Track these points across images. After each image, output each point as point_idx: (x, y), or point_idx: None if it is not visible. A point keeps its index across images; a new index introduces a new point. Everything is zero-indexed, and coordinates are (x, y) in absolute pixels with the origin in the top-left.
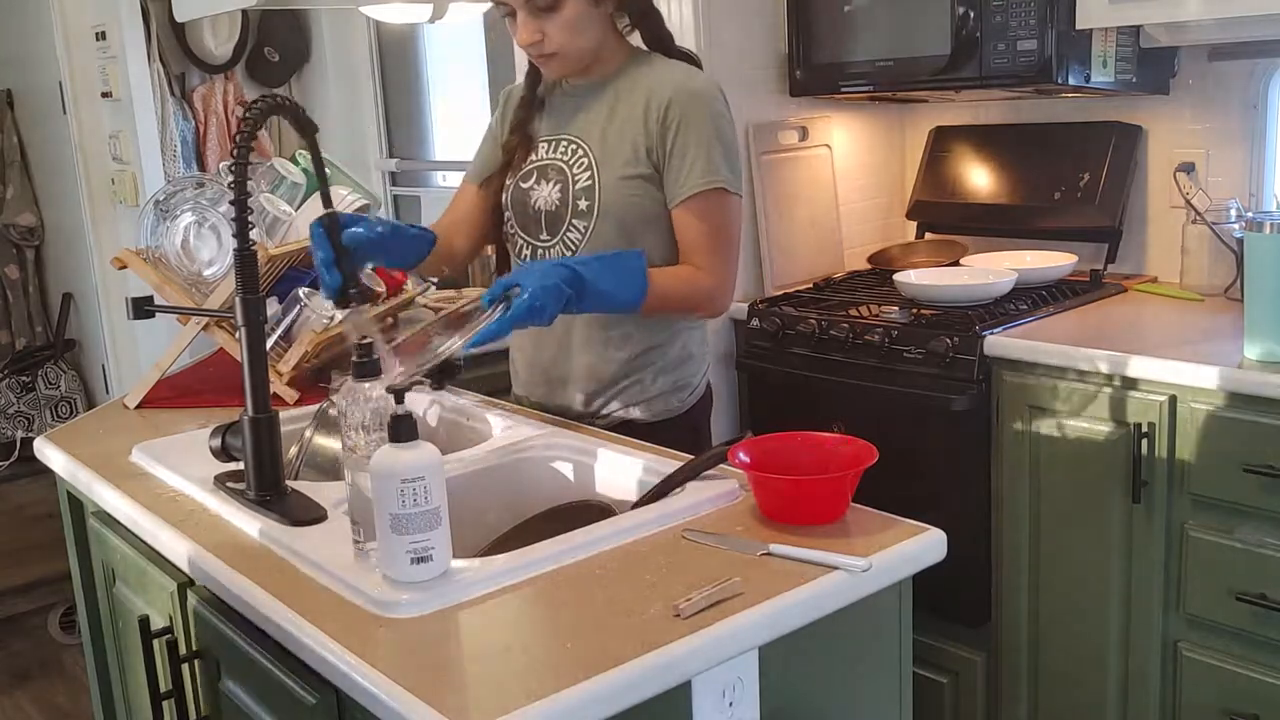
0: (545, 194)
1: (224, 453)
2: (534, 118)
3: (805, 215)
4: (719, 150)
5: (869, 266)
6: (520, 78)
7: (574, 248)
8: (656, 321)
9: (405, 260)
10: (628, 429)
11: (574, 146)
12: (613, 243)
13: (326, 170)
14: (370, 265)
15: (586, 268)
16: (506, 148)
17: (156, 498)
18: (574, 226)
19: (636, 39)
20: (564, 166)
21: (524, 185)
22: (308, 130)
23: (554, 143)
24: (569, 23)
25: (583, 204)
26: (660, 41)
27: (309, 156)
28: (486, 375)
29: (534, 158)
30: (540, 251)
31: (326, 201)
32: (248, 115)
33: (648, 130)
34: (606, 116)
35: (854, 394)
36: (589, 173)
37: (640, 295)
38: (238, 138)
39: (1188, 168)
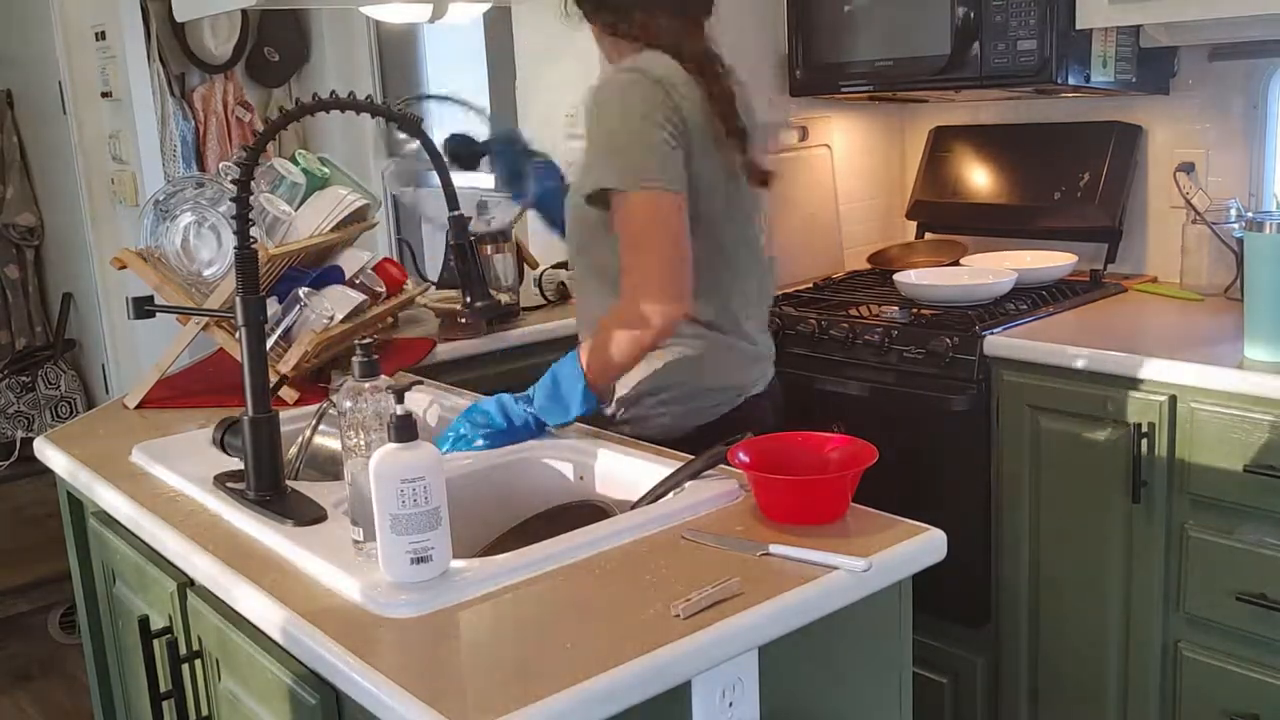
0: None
1: (222, 446)
2: None
3: (805, 215)
4: (602, 147)
5: (869, 266)
6: (519, 79)
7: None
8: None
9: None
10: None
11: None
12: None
13: (327, 170)
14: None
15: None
16: None
17: (156, 498)
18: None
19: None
20: None
21: None
22: (412, 126)
23: None
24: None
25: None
26: (643, 38)
27: (309, 156)
28: (485, 375)
29: None
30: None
31: (453, 205)
32: (288, 111)
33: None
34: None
35: (854, 394)
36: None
37: (584, 401)
38: (258, 133)
39: (1188, 168)
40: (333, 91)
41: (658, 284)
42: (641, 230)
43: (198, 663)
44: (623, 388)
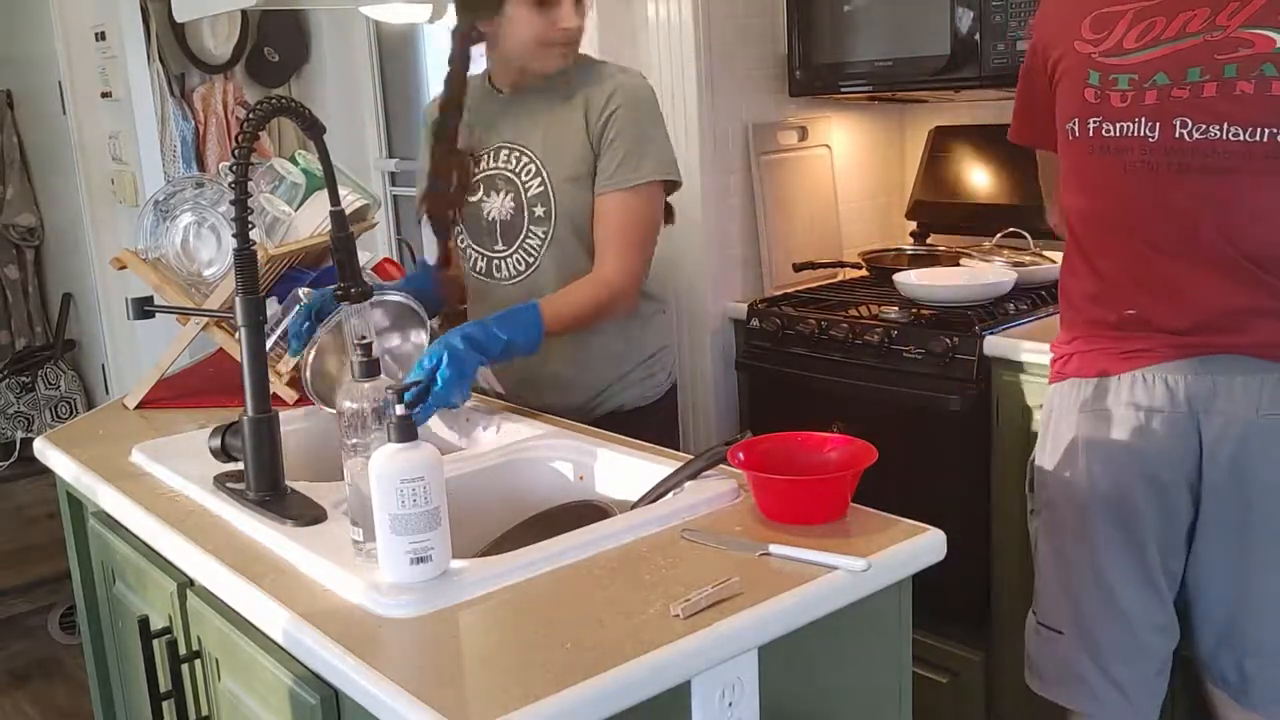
0: (498, 205)
1: (223, 453)
2: (469, 130)
3: (805, 215)
4: (652, 146)
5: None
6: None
7: (534, 254)
8: (630, 323)
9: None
10: (610, 420)
11: (516, 154)
12: (570, 245)
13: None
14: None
15: (486, 332)
16: (457, 165)
17: (156, 498)
18: (532, 233)
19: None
20: (511, 175)
21: (472, 199)
22: (316, 131)
23: (494, 153)
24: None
25: (539, 210)
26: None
27: (309, 156)
28: None
29: (476, 170)
30: (496, 262)
31: (335, 201)
32: (251, 116)
33: (589, 128)
34: (546, 119)
35: (854, 394)
36: (539, 178)
37: (538, 338)
38: (239, 138)
39: None
40: (267, 98)
41: (645, 263)
42: (654, 216)
43: (197, 663)
44: (642, 346)
